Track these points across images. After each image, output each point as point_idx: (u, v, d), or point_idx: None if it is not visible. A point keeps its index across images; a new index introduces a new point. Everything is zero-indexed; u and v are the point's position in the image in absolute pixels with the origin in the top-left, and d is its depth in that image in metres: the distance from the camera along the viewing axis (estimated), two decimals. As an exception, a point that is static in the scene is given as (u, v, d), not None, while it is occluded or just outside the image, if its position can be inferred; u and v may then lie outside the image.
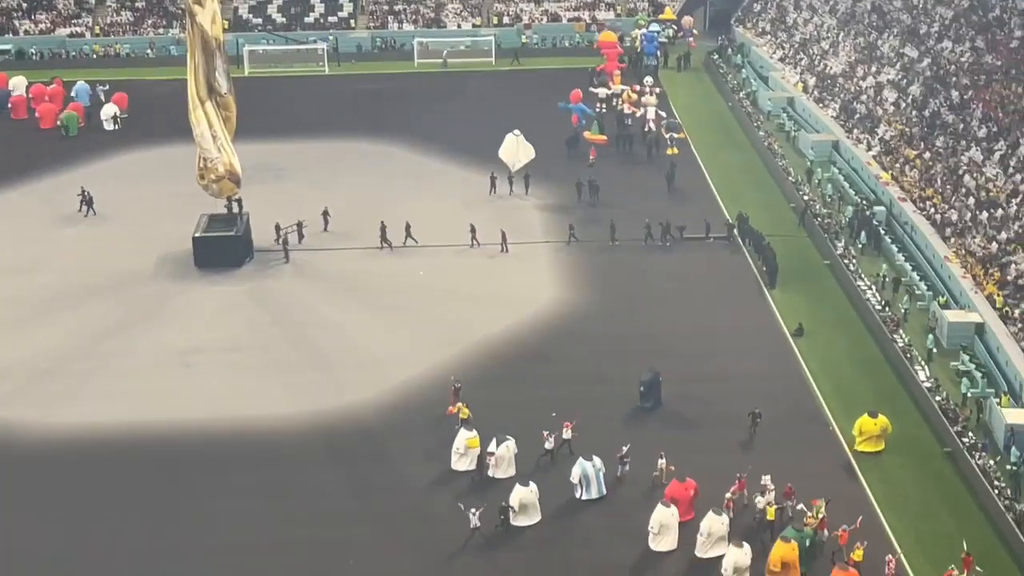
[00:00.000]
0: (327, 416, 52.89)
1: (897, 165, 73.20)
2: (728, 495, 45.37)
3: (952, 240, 63.89)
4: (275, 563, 43.70)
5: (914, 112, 76.85)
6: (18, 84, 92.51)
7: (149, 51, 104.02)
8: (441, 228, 69.83)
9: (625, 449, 47.75)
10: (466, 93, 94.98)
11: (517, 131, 76.36)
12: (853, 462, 49.57)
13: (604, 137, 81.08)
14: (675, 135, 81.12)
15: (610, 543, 44.80)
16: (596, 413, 51.43)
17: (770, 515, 45.03)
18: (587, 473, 46.21)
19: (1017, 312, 56.67)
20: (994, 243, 61.97)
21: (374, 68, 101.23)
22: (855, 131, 79.59)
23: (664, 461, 47.33)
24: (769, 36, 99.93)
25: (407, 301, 63.14)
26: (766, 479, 45.54)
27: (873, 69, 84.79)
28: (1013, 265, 59.53)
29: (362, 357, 57.65)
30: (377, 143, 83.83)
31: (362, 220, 70.05)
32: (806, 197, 73.48)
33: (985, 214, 64.27)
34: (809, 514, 44.23)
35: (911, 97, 78.70)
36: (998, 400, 51.60)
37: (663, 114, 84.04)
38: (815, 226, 69.83)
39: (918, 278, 63.25)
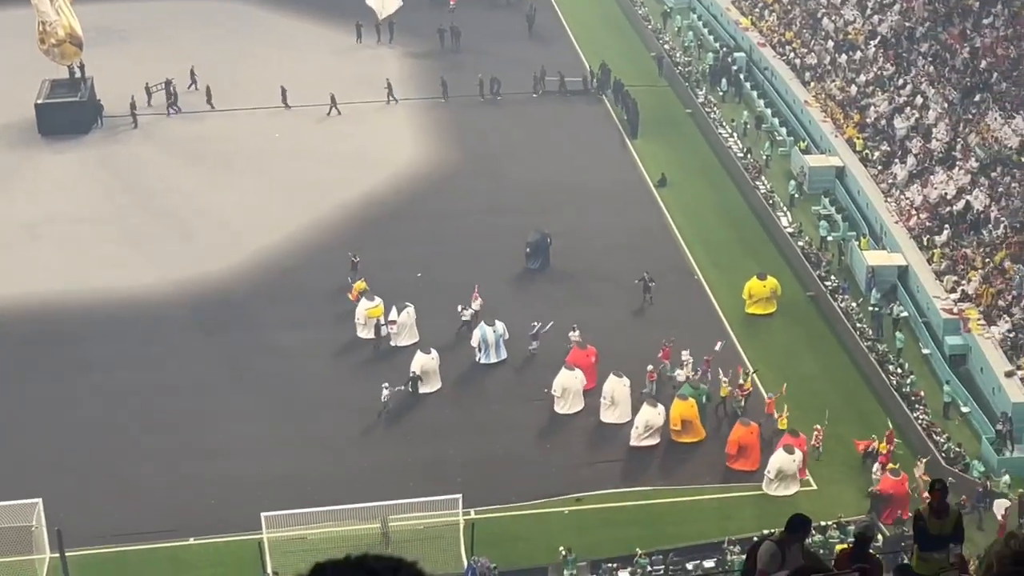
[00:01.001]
0: (189, 285, 52.13)
1: (756, 10, 72.95)
2: (650, 367, 45.05)
3: (812, 84, 64.09)
4: (151, 437, 43.25)
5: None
6: None
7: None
8: (296, 89, 68.19)
9: (537, 326, 46.88)
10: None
11: None
12: (719, 311, 50.10)
13: None
14: None
15: (513, 403, 45.04)
16: (478, 275, 50.78)
17: (723, 392, 44.64)
18: (486, 338, 46.01)
19: (876, 154, 57.23)
20: (853, 86, 62.42)
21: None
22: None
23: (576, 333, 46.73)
24: None
25: (263, 165, 62.01)
26: (685, 354, 45.34)
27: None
28: (872, 107, 60.06)
29: (219, 224, 56.78)
30: (225, 0, 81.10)
31: (216, 82, 68.13)
32: (666, 46, 73.00)
33: (844, 57, 64.65)
34: (726, 382, 44.22)
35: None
36: (858, 242, 52.36)
37: None
38: (675, 75, 69.61)
39: (779, 123, 63.49)
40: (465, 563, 36.83)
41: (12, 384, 46.07)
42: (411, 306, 47.47)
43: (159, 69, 68.32)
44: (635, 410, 43.35)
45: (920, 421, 43.15)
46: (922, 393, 44.48)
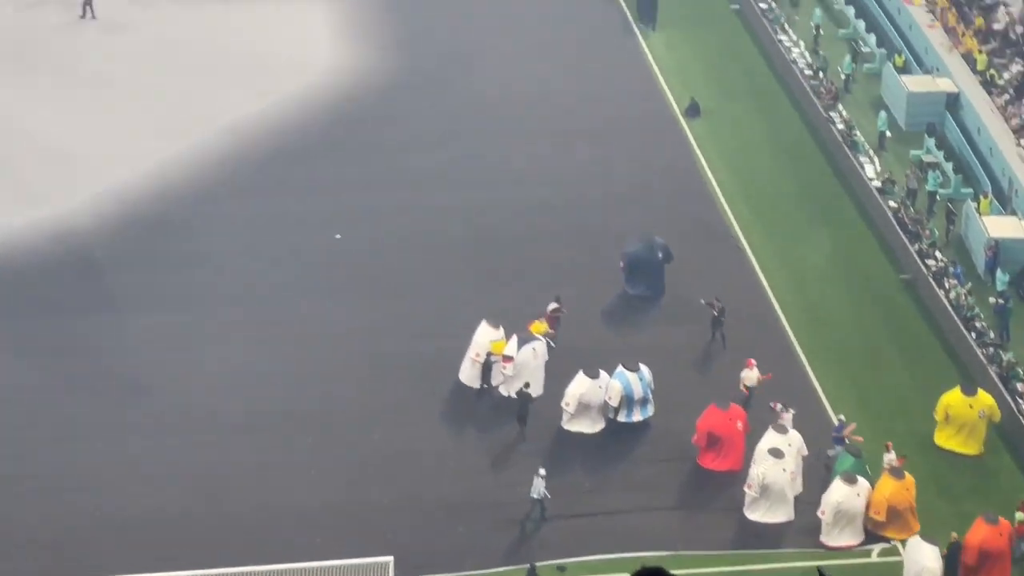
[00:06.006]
0: (9, 241, 50.47)
1: None
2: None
3: None
4: None
5: None
6: None
7: None
8: None
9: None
10: None
11: None
12: (769, 293, 48.71)
13: None
14: None
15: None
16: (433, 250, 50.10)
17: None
18: (630, 390, 43.66)
19: (1006, 77, 56.40)
20: None
21: None
22: None
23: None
24: None
25: (114, 72, 60.40)
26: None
27: None
28: (1002, 7, 58.98)
29: (54, 155, 55.50)
30: None
31: None
32: None
33: None
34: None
35: None
36: (977, 204, 51.33)
37: None
38: None
39: (865, 28, 62.16)
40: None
41: None
42: (541, 340, 45.33)
43: None
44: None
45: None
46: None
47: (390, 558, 38.79)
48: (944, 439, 42.99)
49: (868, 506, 40.39)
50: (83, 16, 62.41)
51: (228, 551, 38.91)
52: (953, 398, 43.04)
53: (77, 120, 57.73)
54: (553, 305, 46.63)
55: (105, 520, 40.36)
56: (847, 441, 42.24)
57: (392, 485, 42.00)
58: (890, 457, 41.22)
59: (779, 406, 42.98)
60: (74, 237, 50.95)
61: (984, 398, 43.02)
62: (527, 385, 44.33)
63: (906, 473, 40.63)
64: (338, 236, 51.42)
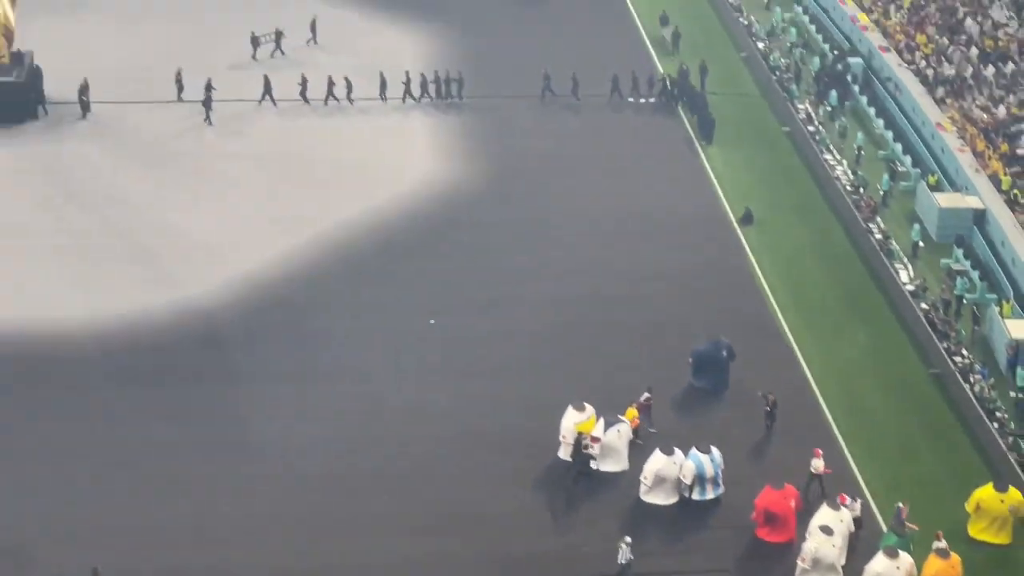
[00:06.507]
0: (149, 320, 52.38)
1: (879, 4, 72.54)
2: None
3: (947, 102, 63.43)
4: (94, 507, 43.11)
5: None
6: None
7: None
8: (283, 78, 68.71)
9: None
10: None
11: None
12: (813, 385, 49.82)
13: None
14: None
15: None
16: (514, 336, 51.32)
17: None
18: (703, 471, 44.49)
19: None
20: (1001, 106, 61.46)
21: None
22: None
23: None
24: None
25: (241, 172, 62.92)
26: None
27: None
28: None
29: (187, 244, 57.35)
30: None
31: (183, 66, 68.51)
32: (761, 46, 72.87)
33: (991, 69, 63.78)
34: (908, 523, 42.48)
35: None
36: (1000, 308, 51.72)
37: None
38: (771, 82, 69.38)
39: (902, 151, 63.22)
40: None
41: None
42: (625, 422, 46.28)
43: (119, 47, 69.94)
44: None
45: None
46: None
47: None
48: (977, 531, 42.57)
49: None
50: (207, 121, 65.04)
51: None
52: (985, 493, 42.65)
53: (207, 214, 59.30)
54: (645, 395, 46.92)
55: (216, 570, 40.91)
56: (906, 526, 41.67)
57: (476, 540, 42.14)
58: (940, 545, 40.56)
59: (848, 500, 42.75)
60: (205, 316, 52.38)
61: (1014, 494, 42.59)
62: (586, 447, 44.88)
63: (952, 553, 40.44)
64: (432, 321, 52.31)
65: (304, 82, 67.39)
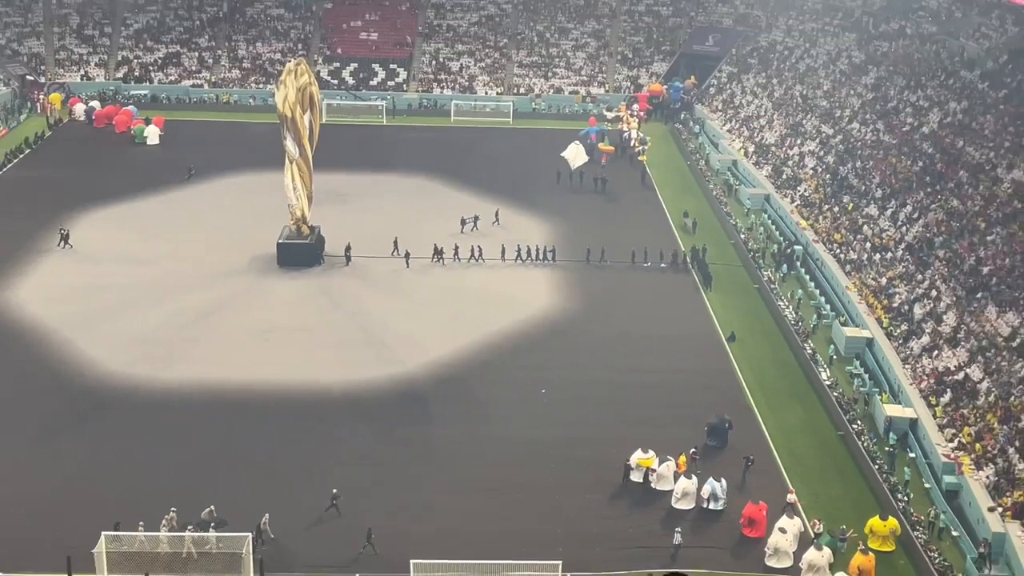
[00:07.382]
0: (377, 384, 52.20)
1: (812, 215, 72.33)
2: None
3: (852, 274, 62.82)
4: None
5: (827, 175, 75.96)
6: (94, 106, 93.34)
7: (251, 100, 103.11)
8: (457, 244, 68.27)
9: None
10: (489, 142, 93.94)
11: (578, 141, 79.63)
12: (769, 441, 48.49)
13: (612, 148, 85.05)
14: (645, 147, 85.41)
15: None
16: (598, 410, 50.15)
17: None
18: (715, 492, 43.31)
19: (898, 331, 55.60)
20: (883, 278, 61.48)
21: (420, 121, 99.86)
22: (782, 188, 78.74)
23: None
24: (720, 112, 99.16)
25: (435, 299, 61.67)
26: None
27: (798, 141, 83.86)
28: (897, 295, 58.53)
29: (401, 339, 56.42)
30: (417, 177, 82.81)
31: (402, 236, 69.17)
32: (743, 236, 72.52)
33: (878, 256, 63.78)
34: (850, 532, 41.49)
35: (826, 164, 77.75)
36: (880, 397, 50.87)
37: (643, 136, 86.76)
38: (748, 257, 69.08)
39: (824, 301, 61.92)
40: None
41: (232, 445, 46.64)
42: (671, 460, 44.78)
43: (370, 223, 70.17)
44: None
45: (919, 540, 41.52)
46: (922, 517, 42.94)
47: (559, 562, 37.77)
48: (873, 544, 41.41)
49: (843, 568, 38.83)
50: (406, 263, 64.13)
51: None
52: (875, 521, 41.75)
53: (414, 321, 58.80)
54: (692, 450, 46.07)
55: (456, 533, 40.45)
56: (846, 535, 40.96)
57: (572, 522, 41.69)
58: (855, 538, 40.12)
59: (791, 496, 42.79)
60: (411, 384, 51.91)
61: (892, 521, 41.74)
62: (647, 475, 44.10)
63: (871, 552, 39.76)
64: (544, 391, 51.30)
65: (479, 250, 66.85)
